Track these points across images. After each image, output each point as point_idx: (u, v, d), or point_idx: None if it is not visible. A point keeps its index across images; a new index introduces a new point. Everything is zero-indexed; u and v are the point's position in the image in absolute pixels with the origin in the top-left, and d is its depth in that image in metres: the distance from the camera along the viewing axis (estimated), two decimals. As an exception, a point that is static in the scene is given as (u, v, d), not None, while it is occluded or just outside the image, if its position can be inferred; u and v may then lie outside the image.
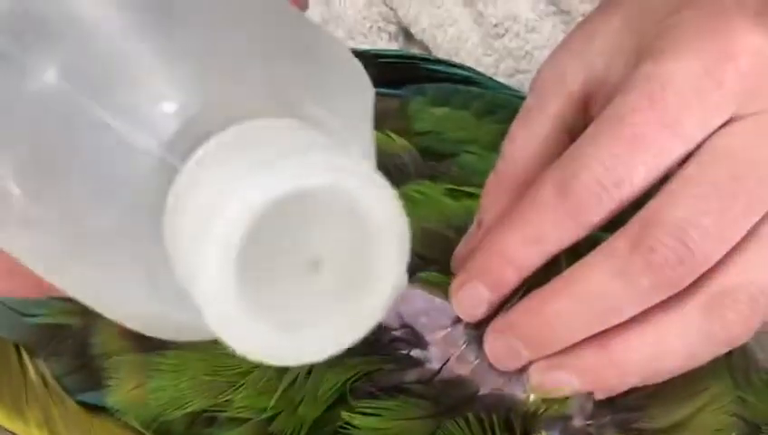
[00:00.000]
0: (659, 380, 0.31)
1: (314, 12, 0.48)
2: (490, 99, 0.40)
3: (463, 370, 0.34)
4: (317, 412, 0.34)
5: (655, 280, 0.29)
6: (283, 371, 0.34)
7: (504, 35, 0.46)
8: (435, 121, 0.40)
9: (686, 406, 0.34)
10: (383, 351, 0.34)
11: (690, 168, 0.29)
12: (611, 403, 0.33)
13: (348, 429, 0.33)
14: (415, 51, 0.49)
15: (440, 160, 0.39)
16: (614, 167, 0.29)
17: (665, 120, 0.28)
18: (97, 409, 0.37)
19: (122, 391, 0.36)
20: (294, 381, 0.34)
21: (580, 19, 0.47)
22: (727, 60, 0.28)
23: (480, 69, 0.45)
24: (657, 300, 0.29)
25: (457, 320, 0.34)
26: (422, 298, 0.35)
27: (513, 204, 0.32)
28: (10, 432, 0.36)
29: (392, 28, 0.48)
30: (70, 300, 0.36)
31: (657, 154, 0.28)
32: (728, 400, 0.35)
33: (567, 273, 0.30)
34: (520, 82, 0.46)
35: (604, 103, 0.31)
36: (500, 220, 0.32)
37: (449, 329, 0.34)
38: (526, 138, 0.33)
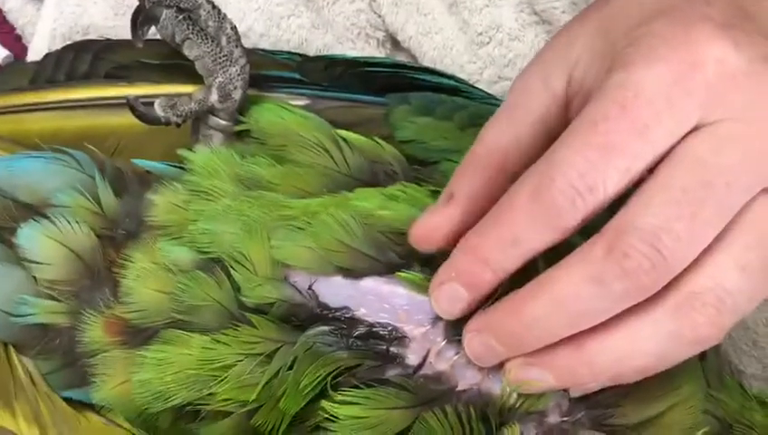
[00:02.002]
0: (631, 380, 0.32)
1: (304, 18, 0.48)
2: (474, 110, 0.41)
3: (442, 365, 0.35)
4: (298, 406, 0.35)
5: (628, 285, 0.29)
6: (265, 364, 0.35)
7: (488, 43, 0.47)
8: (417, 131, 0.41)
9: (658, 404, 0.35)
10: (364, 346, 0.35)
11: (661, 174, 0.29)
12: (586, 400, 0.34)
13: (329, 421, 0.34)
14: (401, 58, 0.50)
15: (424, 167, 0.40)
16: (588, 172, 0.29)
17: (636, 126, 0.29)
18: (84, 405, 0.37)
19: (109, 386, 0.37)
20: (276, 374, 0.35)
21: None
22: (695, 69, 0.29)
23: (464, 76, 0.46)
24: (630, 304, 0.30)
25: (438, 317, 0.35)
26: (404, 295, 0.36)
27: (484, 184, 0.33)
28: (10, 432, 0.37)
29: (380, 35, 0.49)
30: (59, 300, 0.37)
31: (629, 160, 0.29)
32: (700, 398, 0.36)
33: (543, 276, 0.31)
34: (503, 89, 0.47)
35: (580, 107, 0.31)
36: (470, 203, 0.33)
37: (429, 326, 0.35)
38: (507, 127, 0.33)
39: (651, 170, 0.30)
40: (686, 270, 0.30)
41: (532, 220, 0.31)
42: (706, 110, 0.29)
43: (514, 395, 0.34)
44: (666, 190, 0.29)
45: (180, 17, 0.39)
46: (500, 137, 0.33)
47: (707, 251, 0.30)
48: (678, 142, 0.29)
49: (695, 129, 0.29)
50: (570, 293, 0.30)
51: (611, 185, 0.29)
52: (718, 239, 0.30)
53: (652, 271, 0.29)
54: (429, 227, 0.34)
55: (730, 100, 0.29)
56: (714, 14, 0.30)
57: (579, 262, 0.30)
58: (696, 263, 0.30)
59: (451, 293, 0.33)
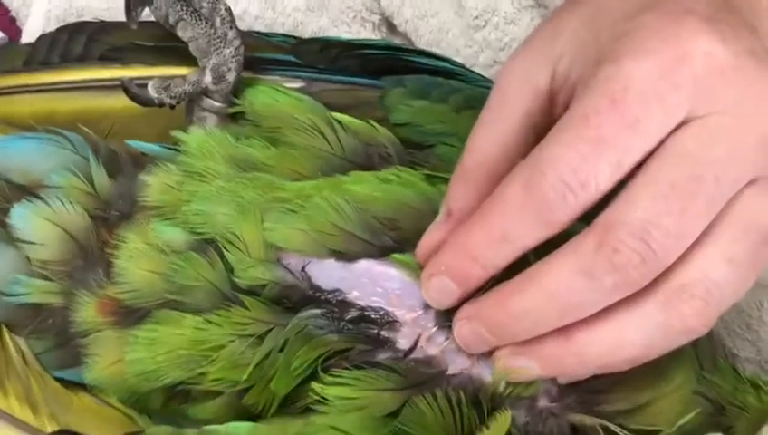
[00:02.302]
0: (620, 369, 0.32)
1: (299, 1, 0.48)
2: (469, 93, 0.41)
3: (433, 350, 0.35)
4: (288, 387, 0.35)
5: (618, 279, 0.30)
6: (256, 345, 0.35)
7: (484, 27, 0.47)
8: (412, 114, 0.41)
9: (649, 391, 0.35)
10: (355, 330, 0.35)
11: (650, 168, 0.29)
12: (576, 386, 0.34)
13: (319, 403, 0.34)
14: (397, 41, 0.49)
15: (419, 150, 0.40)
16: (579, 167, 0.29)
17: (627, 120, 0.29)
18: (76, 385, 0.38)
19: (101, 366, 0.37)
20: (267, 356, 0.35)
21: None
22: (683, 63, 0.29)
23: (460, 60, 0.46)
24: (619, 297, 0.30)
25: None
26: (396, 279, 0.36)
27: (479, 197, 0.33)
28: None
29: (376, 18, 0.49)
30: (52, 280, 0.37)
31: (620, 154, 0.29)
32: (692, 385, 0.36)
33: (533, 269, 0.31)
34: (499, 73, 0.47)
35: (566, 101, 0.31)
36: (468, 217, 0.33)
37: (421, 311, 0.35)
38: (493, 132, 0.33)
39: (640, 165, 0.30)
40: (674, 263, 0.30)
41: (523, 216, 0.30)
42: (695, 103, 0.29)
43: (504, 382, 0.34)
44: (655, 185, 0.29)
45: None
46: (487, 145, 0.33)
47: (696, 244, 0.30)
48: (668, 136, 0.29)
49: (683, 122, 0.29)
50: (559, 286, 0.30)
51: (603, 180, 0.29)
52: (706, 232, 0.30)
53: (642, 265, 0.29)
54: (432, 245, 0.34)
55: (718, 93, 0.29)
56: (699, 9, 0.30)
57: (569, 256, 0.30)
58: (684, 255, 0.30)
59: (441, 285, 0.34)
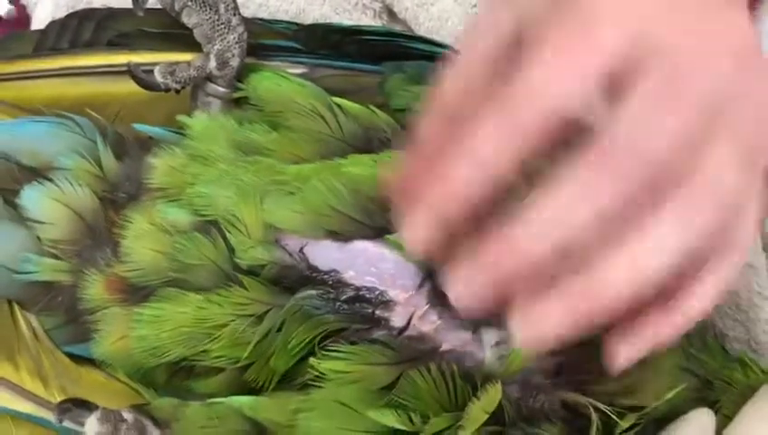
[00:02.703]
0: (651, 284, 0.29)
1: (301, -13, 0.49)
2: None
3: (425, 327, 0.36)
4: (287, 365, 0.36)
5: (622, 200, 0.27)
6: (255, 325, 0.36)
7: (482, 15, 0.48)
8: (411, 99, 0.42)
9: (637, 373, 0.36)
10: (350, 310, 0.36)
11: (637, 90, 0.28)
12: (568, 366, 0.35)
13: (318, 379, 0.35)
14: (398, 28, 0.50)
15: None
16: (554, 79, 0.28)
17: (586, 31, 0.27)
18: (84, 360, 0.39)
19: (108, 342, 0.38)
20: (267, 335, 0.36)
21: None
22: None
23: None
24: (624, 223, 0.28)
25: (422, 282, 0.36)
26: (390, 259, 0.37)
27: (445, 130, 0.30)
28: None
29: (377, 6, 0.50)
30: (61, 258, 0.39)
31: (583, 68, 0.27)
32: (680, 362, 0.37)
33: (528, 201, 0.28)
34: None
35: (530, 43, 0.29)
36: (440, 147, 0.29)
37: (414, 291, 0.36)
38: (457, 75, 0.30)
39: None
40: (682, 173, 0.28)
41: (495, 130, 0.28)
42: (658, 19, 0.28)
43: (496, 358, 0.35)
44: (642, 99, 0.28)
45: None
46: (452, 84, 0.30)
47: (695, 153, 0.28)
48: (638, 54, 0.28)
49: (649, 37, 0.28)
50: (560, 215, 0.28)
51: (575, 94, 0.27)
52: (703, 141, 0.28)
53: (645, 182, 0.27)
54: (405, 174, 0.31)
55: (682, 8, 0.29)
56: None
57: (566, 183, 0.28)
58: (688, 165, 0.28)
59: (420, 227, 0.30)
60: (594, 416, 0.35)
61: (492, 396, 0.34)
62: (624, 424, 0.35)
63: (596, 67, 0.28)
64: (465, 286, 0.29)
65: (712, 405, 0.38)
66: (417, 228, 0.30)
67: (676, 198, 0.28)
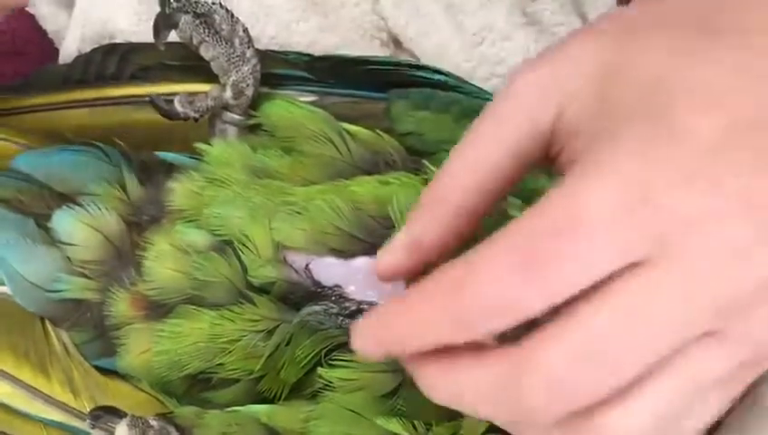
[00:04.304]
0: None
1: (312, 22, 0.51)
2: (467, 104, 0.44)
3: None
4: (296, 376, 0.39)
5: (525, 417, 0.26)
6: (266, 340, 0.38)
7: (481, 44, 0.50)
8: (416, 123, 0.43)
9: None
10: (352, 323, 0.38)
11: (585, 310, 0.25)
12: None
13: (326, 389, 0.37)
14: (403, 57, 0.52)
15: (422, 157, 0.43)
16: (505, 291, 0.25)
17: (572, 250, 0.25)
18: (111, 372, 0.41)
19: (132, 355, 0.40)
20: (276, 348, 0.38)
21: (551, 30, 0.51)
22: (646, 203, 0.25)
23: (461, 73, 0.49)
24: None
25: None
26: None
27: (446, 231, 0.29)
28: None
29: (383, 36, 0.52)
30: (90, 278, 0.41)
31: (556, 285, 0.25)
32: None
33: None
34: (495, 86, 0.49)
35: (562, 147, 0.28)
36: (431, 251, 0.29)
37: None
38: (474, 166, 0.29)
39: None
40: (600, 402, 0.26)
41: (443, 319, 0.26)
42: (652, 248, 0.25)
43: None
44: (586, 331, 0.25)
45: (197, 22, 0.42)
46: (466, 178, 0.29)
47: (626, 389, 0.26)
48: (613, 280, 0.25)
49: (633, 264, 0.25)
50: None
51: (531, 308, 0.25)
52: (640, 379, 0.26)
53: (549, 409, 0.25)
54: (392, 268, 0.30)
55: (680, 241, 0.25)
56: (704, 132, 0.25)
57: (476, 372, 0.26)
58: (611, 399, 0.26)
59: (367, 346, 0.28)
60: None
61: None
62: None
63: (570, 290, 0.25)
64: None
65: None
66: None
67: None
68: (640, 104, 0.26)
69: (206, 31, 0.43)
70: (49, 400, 0.40)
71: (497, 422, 0.27)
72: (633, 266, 0.25)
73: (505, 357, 0.26)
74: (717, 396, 0.27)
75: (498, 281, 0.25)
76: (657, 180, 0.25)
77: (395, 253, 0.30)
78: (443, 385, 0.27)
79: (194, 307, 0.40)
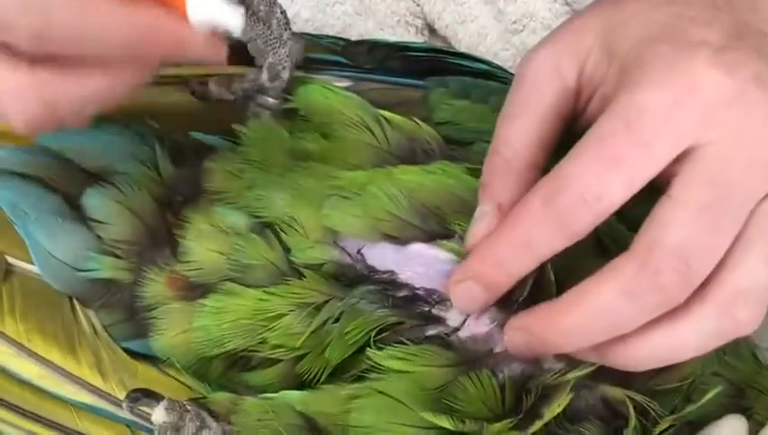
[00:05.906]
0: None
1: (347, 5, 0.51)
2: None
3: (480, 329, 0.38)
4: (342, 355, 0.38)
5: (661, 298, 0.32)
6: (313, 315, 0.38)
7: (521, 31, 0.49)
8: (454, 112, 0.43)
9: (675, 373, 0.38)
10: (407, 307, 0.38)
11: (677, 192, 0.32)
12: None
13: (374, 371, 0.37)
14: (438, 44, 0.52)
15: (460, 147, 0.43)
16: (595, 184, 0.32)
17: (639, 143, 0.32)
18: (140, 356, 0.41)
19: (169, 335, 0.40)
20: (323, 325, 0.38)
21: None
22: (692, 93, 0.32)
23: (498, 62, 0.48)
24: (660, 313, 0.33)
25: None
26: (446, 261, 0.38)
27: (523, 187, 0.35)
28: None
29: (419, 22, 0.52)
30: (122, 257, 0.40)
31: (632, 173, 0.32)
32: (713, 367, 0.38)
33: (578, 289, 0.34)
34: (523, 62, 0.49)
35: (589, 97, 0.35)
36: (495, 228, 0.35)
37: None
38: (527, 123, 0.36)
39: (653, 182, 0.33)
40: (719, 272, 0.33)
41: (544, 227, 0.33)
42: (702, 129, 0.32)
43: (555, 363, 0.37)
44: (685, 208, 0.32)
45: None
46: (524, 135, 0.36)
47: (731, 252, 0.33)
48: (684, 160, 0.32)
49: (692, 148, 0.32)
50: (603, 306, 0.33)
51: (616, 195, 0.32)
52: (738, 241, 0.33)
53: (683, 283, 0.32)
54: (482, 237, 0.36)
55: (724, 120, 0.32)
56: (712, 38, 0.33)
57: (612, 277, 0.33)
58: (726, 264, 0.33)
59: (468, 291, 0.36)
60: (632, 413, 0.36)
61: (560, 403, 0.36)
62: (662, 426, 0.36)
63: (646, 176, 0.32)
64: (519, 342, 0.36)
65: (744, 412, 0.39)
66: (469, 295, 0.36)
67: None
68: (652, 34, 0.33)
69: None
70: (78, 381, 0.39)
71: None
72: (691, 149, 0.32)
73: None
74: None
75: (588, 175, 0.32)
76: (693, 76, 0.32)
77: (486, 221, 0.36)
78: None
79: (237, 285, 0.39)
